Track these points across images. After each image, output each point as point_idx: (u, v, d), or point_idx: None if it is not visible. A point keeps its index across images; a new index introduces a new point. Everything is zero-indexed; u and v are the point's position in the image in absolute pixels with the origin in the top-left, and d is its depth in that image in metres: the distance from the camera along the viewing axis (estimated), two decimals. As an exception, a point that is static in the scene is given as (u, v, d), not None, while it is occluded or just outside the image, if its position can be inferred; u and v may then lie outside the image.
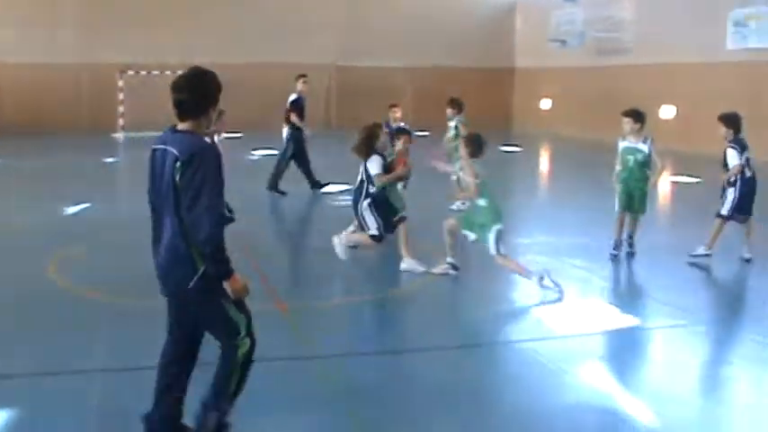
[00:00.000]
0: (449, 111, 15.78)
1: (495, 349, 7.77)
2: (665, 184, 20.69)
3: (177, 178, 4.79)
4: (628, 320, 8.53)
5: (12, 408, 6.02)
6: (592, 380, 6.83)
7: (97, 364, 6.99)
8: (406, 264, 10.22)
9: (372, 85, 34.14)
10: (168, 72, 32.83)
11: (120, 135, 31.64)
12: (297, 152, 17.03)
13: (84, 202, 15.23)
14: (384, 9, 36.25)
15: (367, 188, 10.30)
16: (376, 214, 10.23)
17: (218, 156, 4.96)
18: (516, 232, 13.12)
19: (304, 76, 17.96)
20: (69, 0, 32.88)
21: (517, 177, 22.53)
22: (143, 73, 32.32)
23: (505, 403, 6.32)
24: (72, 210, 14.75)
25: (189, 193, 4.76)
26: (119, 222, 13.60)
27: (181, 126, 5.08)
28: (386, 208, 10.33)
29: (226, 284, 4.94)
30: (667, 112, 28.53)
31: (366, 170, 10.33)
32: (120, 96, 32.37)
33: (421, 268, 10.10)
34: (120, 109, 32.32)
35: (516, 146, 28.85)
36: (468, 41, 37.18)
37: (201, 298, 4.98)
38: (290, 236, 14.09)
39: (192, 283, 4.91)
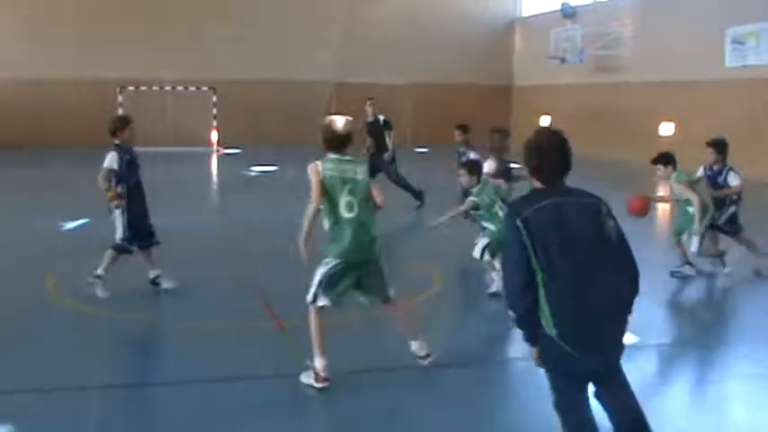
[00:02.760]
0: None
1: (488, 367, 7.74)
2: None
3: (606, 229, 4.76)
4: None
5: (6, 425, 5.99)
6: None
7: (96, 381, 6.97)
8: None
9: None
10: (168, 88, 33.00)
11: (119, 151, 31.57)
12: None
13: (83, 218, 15.20)
14: (383, 26, 36.29)
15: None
16: None
17: None
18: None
19: (371, 98, 18.20)
20: (68, 16, 32.96)
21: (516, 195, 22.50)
22: (143, 88, 32.45)
23: (499, 421, 6.29)
24: (70, 225, 14.74)
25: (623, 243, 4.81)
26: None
27: (557, 184, 4.93)
28: None
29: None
30: (666, 128, 28.57)
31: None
32: (120, 112, 32.41)
33: None
34: (120, 124, 32.31)
35: (515, 163, 28.83)
36: (467, 58, 37.24)
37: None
38: (288, 253, 14.05)
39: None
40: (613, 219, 4.79)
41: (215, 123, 33.34)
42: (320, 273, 6.93)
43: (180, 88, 33.37)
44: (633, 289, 4.81)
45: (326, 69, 35.43)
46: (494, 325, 9.09)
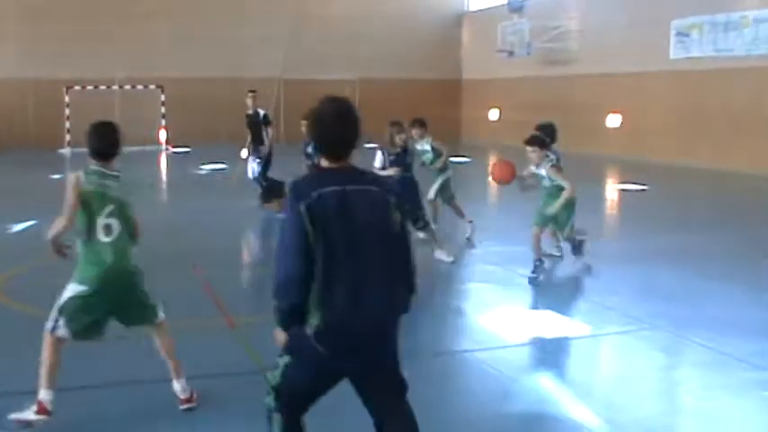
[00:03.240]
0: (415, 131, 13.30)
1: (441, 360, 7.77)
2: (611, 192, 20.94)
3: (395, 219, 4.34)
4: (576, 328, 8.59)
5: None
6: (540, 388, 6.86)
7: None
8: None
9: (320, 97, 34.09)
10: (115, 87, 32.67)
11: (67, 151, 31.28)
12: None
13: (30, 220, 15.01)
14: (330, 22, 36.25)
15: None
16: None
17: None
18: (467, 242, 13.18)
19: (252, 91, 17.90)
20: (11, 15, 32.52)
21: (466, 188, 22.60)
22: (89, 88, 32.09)
23: (453, 414, 6.31)
24: (17, 227, 14.55)
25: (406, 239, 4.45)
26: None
27: (344, 163, 4.37)
28: None
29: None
30: (613, 120, 28.87)
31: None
32: (67, 112, 32.05)
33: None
34: (67, 125, 31.99)
35: (465, 156, 28.92)
36: (416, 53, 37.37)
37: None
38: (238, 250, 14.00)
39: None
40: (400, 212, 4.37)
41: (163, 122, 33.10)
42: (65, 298, 5.96)
43: (127, 87, 33.07)
44: (408, 299, 4.49)
45: (275, 66, 35.27)
46: (444, 319, 9.14)
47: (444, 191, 13.20)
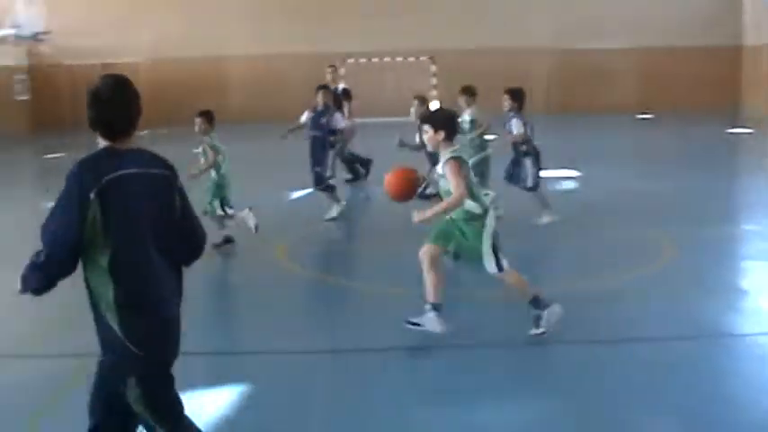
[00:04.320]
0: (462, 100, 13.05)
1: (725, 342, 7.38)
2: None
3: (177, 203, 4.19)
4: None
5: (244, 382, 6.30)
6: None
7: (325, 345, 7.20)
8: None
9: (593, 67, 33.37)
10: (387, 59, 33.45)
11: (342, 121, 32.41)
12: None
13: (305, 188, 15.57)
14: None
15: None
16: None
17: None
18: (753, 221, 12.56)
19: (332, 66, 18.49)
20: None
21: (748, 162, 21.46)
22: (362, 60, 33.01)
23: (733, 398, 6.02)
24: (296, 195, 15.18)
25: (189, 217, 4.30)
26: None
27: (127, 143, 4.14)
28: None
29: None
30: None
31: None
32: (342, 85, 33.18)
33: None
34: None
35: (746, 128, 27.42)
36: (689, 19, 35.39)
37: None
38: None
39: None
40: (182, 196, 4.18)
41: (434, 93, 33.52)
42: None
43: (399, 59, 33.73)
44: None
45: (546, 35, 34.61)
46: (722, 298, 8.68)
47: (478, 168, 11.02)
